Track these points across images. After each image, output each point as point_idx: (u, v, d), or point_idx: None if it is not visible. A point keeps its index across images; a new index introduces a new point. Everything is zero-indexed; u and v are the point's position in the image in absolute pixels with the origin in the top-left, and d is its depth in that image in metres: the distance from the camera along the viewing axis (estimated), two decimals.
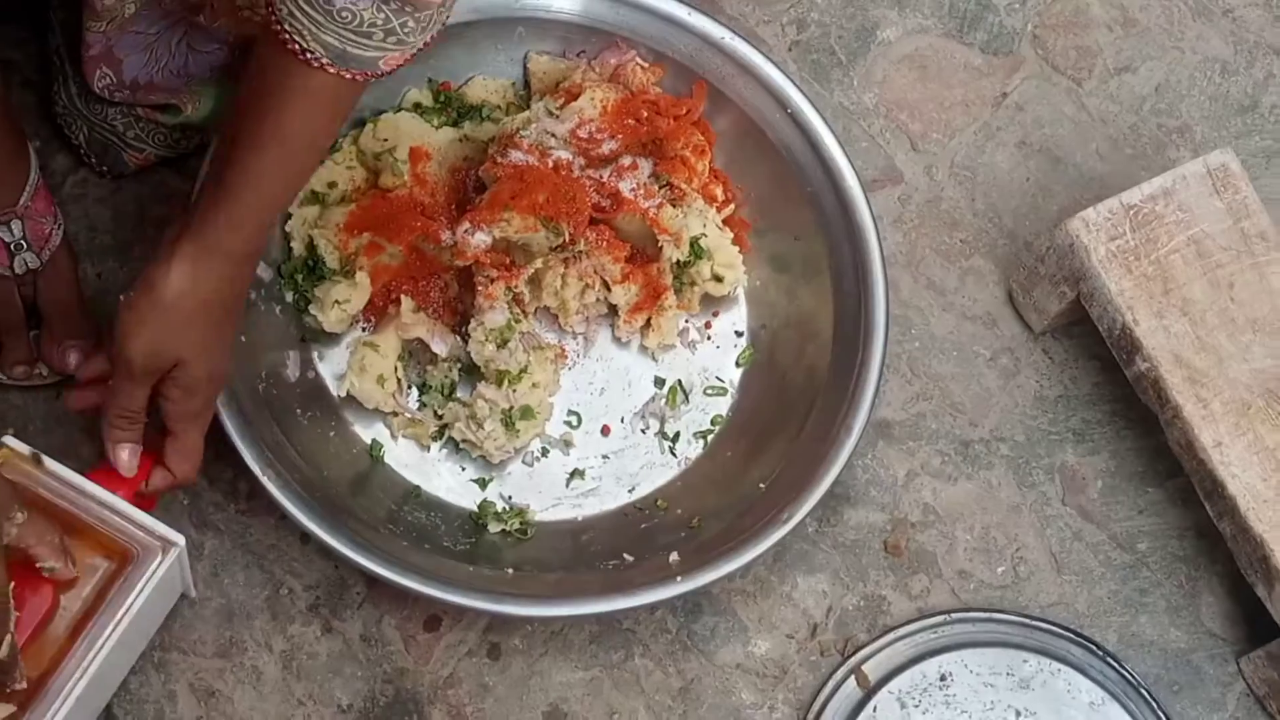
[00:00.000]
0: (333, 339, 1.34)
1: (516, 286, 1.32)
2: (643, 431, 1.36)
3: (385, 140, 1.35)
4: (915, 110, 1.50)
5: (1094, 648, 1.33)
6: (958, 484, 1.39)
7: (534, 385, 1.31)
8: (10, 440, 1.16)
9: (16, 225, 1.25)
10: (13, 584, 1.05)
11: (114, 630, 1.12)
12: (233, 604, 1.27)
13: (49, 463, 1.16)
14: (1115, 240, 1.32)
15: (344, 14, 1.04)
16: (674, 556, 1.27)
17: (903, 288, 1.43)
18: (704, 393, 1.38)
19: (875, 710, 1.29)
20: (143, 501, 1.18)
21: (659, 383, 1.37)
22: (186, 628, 1.26)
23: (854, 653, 1.32)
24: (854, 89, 1.50)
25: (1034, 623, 1.33)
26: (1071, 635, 1.33)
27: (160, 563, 1.14)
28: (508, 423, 1.31)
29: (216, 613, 1.27)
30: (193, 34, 1.29)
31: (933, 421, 1.40)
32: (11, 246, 1.25)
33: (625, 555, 1.29)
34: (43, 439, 1.29)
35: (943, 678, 1.31)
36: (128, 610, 1.13)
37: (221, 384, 1.20)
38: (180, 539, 1.15)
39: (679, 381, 1.37)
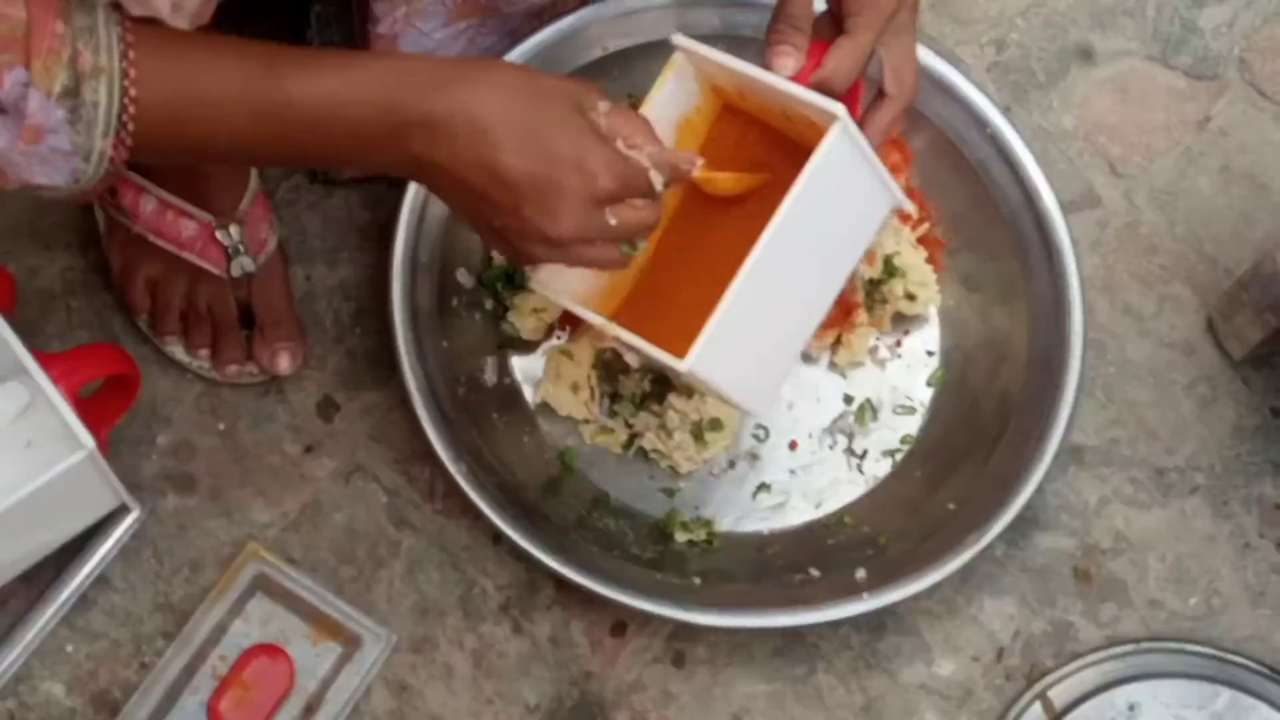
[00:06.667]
0: (529, 346, 1.36)
1: None
2: (830, 448, 1.37)
3: None
4: (1115, 133, 1.49)
5: None
6: (1151, 512, 1.37)
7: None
8: (681, 40, 1.08)
9: (235, 229, 1.30)
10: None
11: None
12: (426, 601, 1.31)
13: (716, 55, 1.06)
14: None
15: None
16: (861, 573, 1.27)
17: (1099, 312, 1.42)
18: (893, 411, 1.37)
19: None
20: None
21: (848, 400, 1.38)
22: (381, 621, 1.29)
23: (1040, 678, 1.31)
24: (1053, 110, 1.49)
25: (1228, 656, 1.31)
26: (1267, 671, 1.30)
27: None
28: (697, 434, 1.32)
29: (411, 609, 1.30)
30: (469, 52, 1.31)
31: (1126, 448, 1.38)
32: (230, 250, 1.30)
33: (811, 570, 1.29)
34: (251, 434, 1.34)
35: (1131, 708, 1.29)
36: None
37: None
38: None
39: (868, 399, 1.37)
